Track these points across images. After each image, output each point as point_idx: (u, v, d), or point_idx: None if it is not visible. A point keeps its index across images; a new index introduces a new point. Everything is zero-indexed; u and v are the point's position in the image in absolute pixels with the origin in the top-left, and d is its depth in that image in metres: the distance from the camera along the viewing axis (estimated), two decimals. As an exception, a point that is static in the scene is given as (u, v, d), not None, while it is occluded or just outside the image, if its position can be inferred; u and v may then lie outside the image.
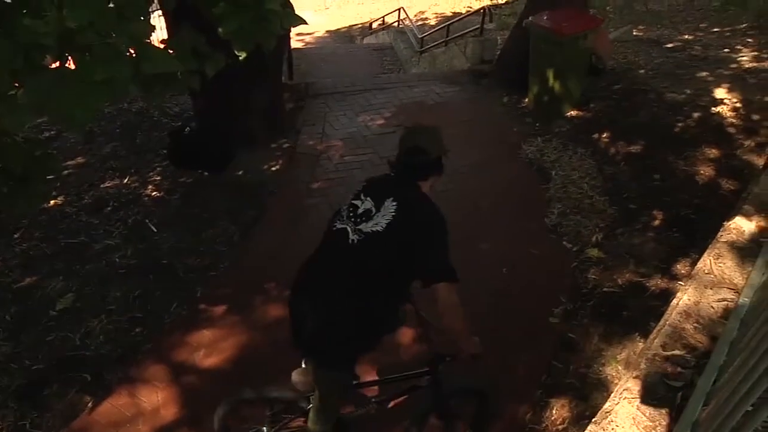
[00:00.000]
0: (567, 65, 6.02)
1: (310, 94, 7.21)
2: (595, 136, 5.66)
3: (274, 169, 5.54)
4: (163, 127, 6.08)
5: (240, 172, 5.41)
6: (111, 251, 4.37)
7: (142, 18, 2.06)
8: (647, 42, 8.04)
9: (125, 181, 5.26)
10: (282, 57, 6.78)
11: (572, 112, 6.18)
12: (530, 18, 6.22)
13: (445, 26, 10.90)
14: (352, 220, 2.20)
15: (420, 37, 11.35)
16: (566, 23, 6.00)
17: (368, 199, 2.24)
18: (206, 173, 5.34)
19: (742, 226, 2.57)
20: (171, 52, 2.44)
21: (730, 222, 2.60)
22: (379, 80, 7.92)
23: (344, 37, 17.48)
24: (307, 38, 16.42)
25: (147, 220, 4.73)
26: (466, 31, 9.98)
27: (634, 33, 9.05)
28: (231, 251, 4.43)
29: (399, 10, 14.41)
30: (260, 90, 5.65)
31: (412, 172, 2.29)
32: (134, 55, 1.94)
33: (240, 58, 2.47)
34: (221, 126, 5.37)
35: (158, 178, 5.32)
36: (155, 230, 4.62)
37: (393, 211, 2.15)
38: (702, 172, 4.79)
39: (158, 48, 2.10)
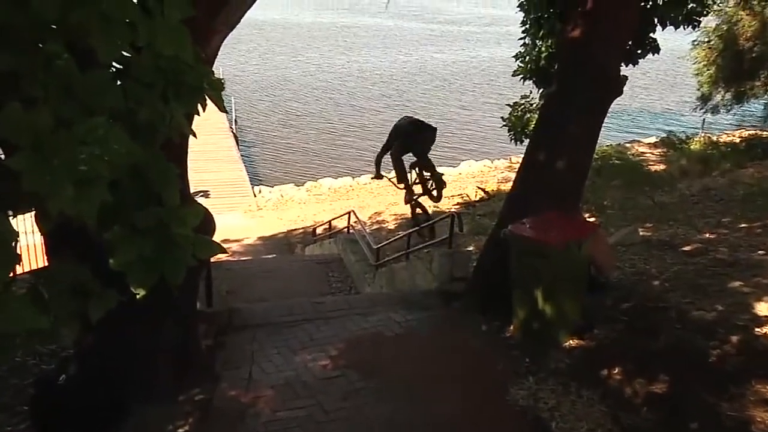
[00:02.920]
0: (559, 282, 6.23)
1: (235, 325, 7.19)
2: (604, 372, 5.68)
3: (182, 430, 5.28)
4: (27, 372, 5.84)
5: (134, 437, 5.13)
6: None
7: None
8: (658, 244, 8.48)
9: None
10: (197, 278, 6.85)
11: (571, 341, 6.27)
12: (509, 227, 6.57)
13: (406, 234, 11.42)
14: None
15: (375, 247, 11.78)
16: (554, 231, 6.35)
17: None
18: (87, 438, 5.05)
19: None
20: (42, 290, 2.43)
21: None
22: (324, 306, 7.99)
23: (281, 245, 18.09)
24: (234, 246, 16.91)
25: None
26: (432, 241, 10.43)
27: (641, 233, 9.58)
28: None
29: (349, 213, 15.15)
30: (167, 323, 5.60)
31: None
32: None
33: (138, 295, 2.46)
34: (112, 371, 5.20)
35: (13, 449, 4.99)
36: None
37: None
38: (759, 418, 4.75)
39: (17, 298, 2.06)
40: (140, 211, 2.42)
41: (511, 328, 6.78)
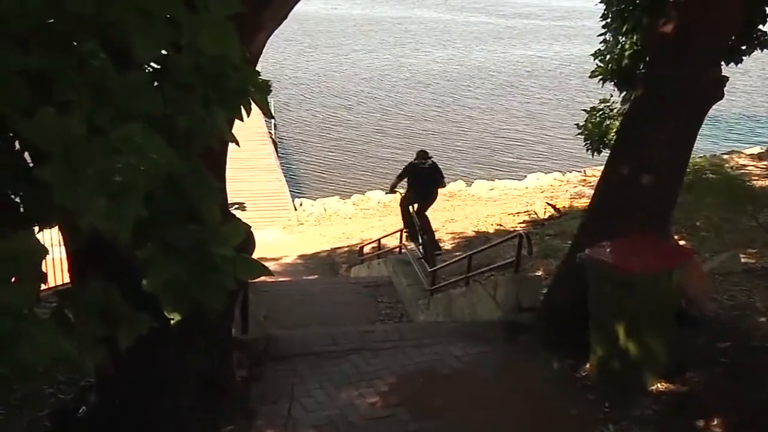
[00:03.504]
0: (645, 316, 6.12)
1: (272, 355, 7.25)
2: (700, 422, 5.57)
3: (212, 473, 5.35)
4: (43, 402, 5.92)
5: (159, 479, 5.20)
6: None
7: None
8: (764, 274, 8.29)
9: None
10: (235, 301, 6.93)
11: (659, 385, 6.17)
12: (586, 250, 6.49)
13: (465, 256, 11.36)
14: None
15: (430, 269, 11.76)
16: (639, 256, 6.25)
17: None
18: (107, 479, 5.12)
19: None
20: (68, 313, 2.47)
21: None
22: (373, 335, 8.04)
23: (323, 265, 18.19)
24: (272, 265, 17.01)
25: None
26: (496, 264, 10.37)
27: (743, 260, 9.39)
28: None
29: (401, 231, 15.19)
30: (199, 351, 5.65)
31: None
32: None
33: (172, 321, 2.48)
34: (137, 404, 5.26)
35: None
36: None
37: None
38: None
39: (42, 323, 2.10)
40: (176, 227, 2.45)
41: (588, 367, 6.68)
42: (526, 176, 26.30)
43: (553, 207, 18.29)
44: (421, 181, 13.15)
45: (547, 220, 17.11)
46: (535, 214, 18.07)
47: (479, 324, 8.66)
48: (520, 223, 17.07)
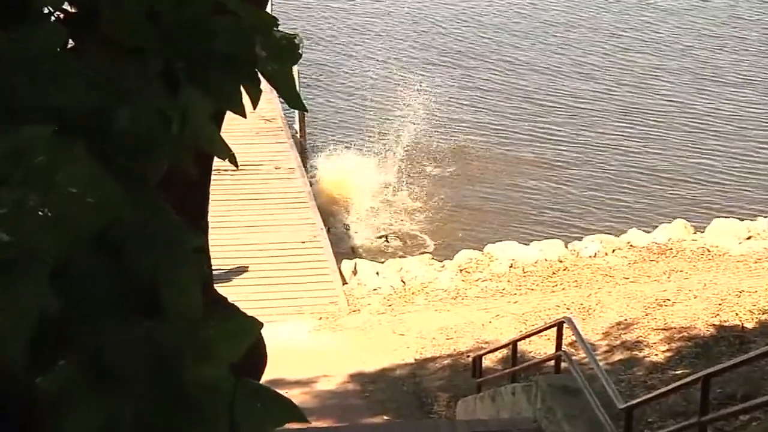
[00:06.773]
0: None
1: None
2: None
3: None
4: None
5: None
6: None
7: None
8: None
9: None
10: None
11: None
12: None
13: (697, 379, 11.24)
14: None
15: (622, 406, 11.71)
16: None
17: None
18: None
19: None
20: None
21: None
22: None
23: (401, 394, 18.19)
24: (298, 394, 16.97)
25: None
26: (765, 398, 10.27)
27: None
28: None
29: (559, 325, 15.15)
30: None
31: None
32: None
33: None
34: None
35: None
36: None
37: None
38: None
39: None
40: (116, 327, 2.46)
41: None
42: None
43: None
44: None
45: None
46: None
47: None
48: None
